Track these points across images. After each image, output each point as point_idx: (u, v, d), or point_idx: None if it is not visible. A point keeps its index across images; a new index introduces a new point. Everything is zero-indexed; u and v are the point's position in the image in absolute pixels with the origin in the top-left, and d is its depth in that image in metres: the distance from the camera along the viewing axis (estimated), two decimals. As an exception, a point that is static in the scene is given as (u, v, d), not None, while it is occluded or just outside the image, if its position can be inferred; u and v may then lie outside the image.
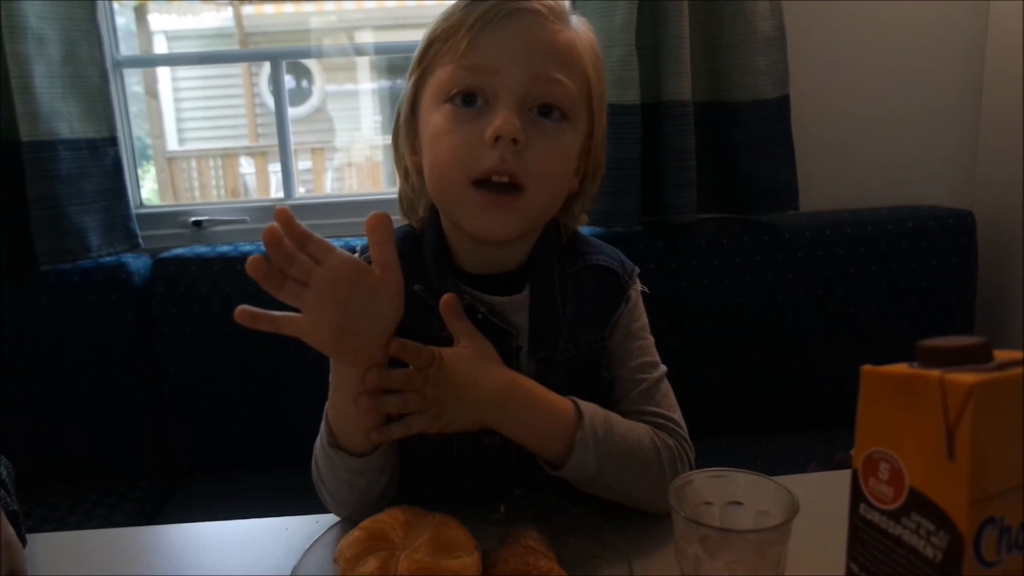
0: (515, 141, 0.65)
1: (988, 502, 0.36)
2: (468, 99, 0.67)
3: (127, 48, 1.85)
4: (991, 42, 1.64)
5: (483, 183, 0.66)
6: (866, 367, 0.42)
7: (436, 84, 0.69)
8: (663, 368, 0.77)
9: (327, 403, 0.68)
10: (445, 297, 0.66)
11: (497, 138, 0.65)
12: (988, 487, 0.36)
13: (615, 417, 0.69)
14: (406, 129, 0.74)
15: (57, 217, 1.41)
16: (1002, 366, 0.37)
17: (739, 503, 0.56)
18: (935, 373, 0.38)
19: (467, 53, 0.67)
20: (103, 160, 1.47)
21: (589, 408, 0.68)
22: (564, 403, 0.67)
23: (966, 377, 0.36)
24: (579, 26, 0.72)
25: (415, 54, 0.72)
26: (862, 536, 0.44)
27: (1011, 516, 0.37)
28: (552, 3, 0.70)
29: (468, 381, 0.64)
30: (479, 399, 0.65)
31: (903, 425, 0.40)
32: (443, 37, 0.69)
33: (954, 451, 0.37)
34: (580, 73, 0.70)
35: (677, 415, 0.74)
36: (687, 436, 0.73)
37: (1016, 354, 0.39)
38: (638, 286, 0.79)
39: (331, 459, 0.67)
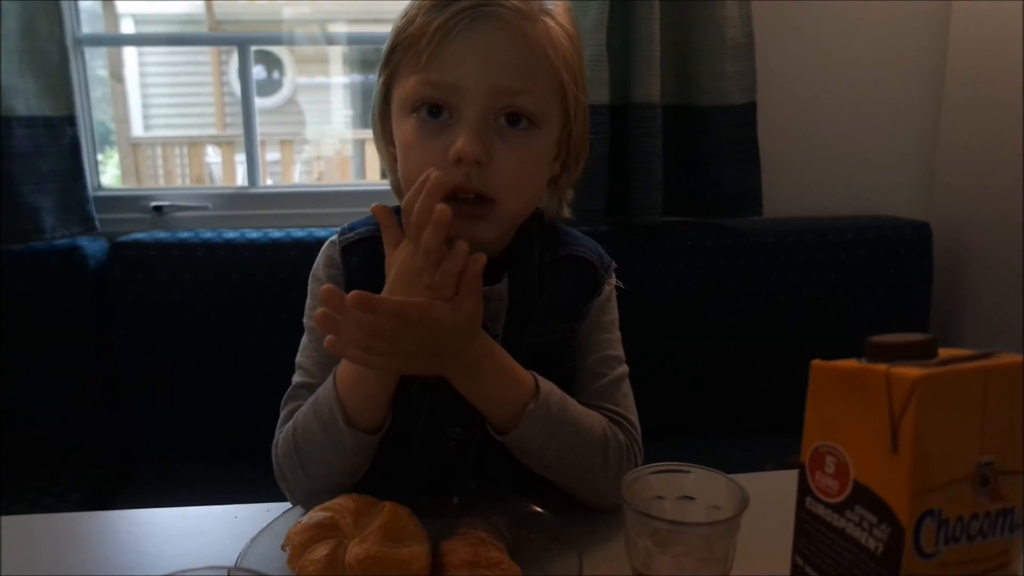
0: (477, 161, 0.65)
1: (928, 494, 0.37)
2: (433, 111, 0.67)
3: (92, 29, 1.81)
4: (950, 64, 1.68)
5: (452, 197, 0.65)
6: (816, 361, 0.43)
7: (402, 93, 0.68)
8: (625, 367, 0.77)
9: (328, 387, 0.67)
10: (475, 257, 0.62)
11: (459, 159, 0.65)
12: (929, 480, 0.37)
13: (572, 401, 0.69)
14: (381, 125, 0.74)
15: (10, 196, 1.37)
16: (946, 362, 0.38)
17: (691, 498, 0.57)
18: (881, 367, 0.38)
19: (428, 67, 0.65)
20: (60, 139, 1.43)
21: (547, 385, 0.68)
22: (526, 376, 0.67)
23: (911, 371, 0.37)
24: (553, 10, 0.69)
25: (383, 53, 0.71)
26: (808, 529, 0.44)
27: (949, 509, 0.37)
28: None
29: (448, 350, 0.63)
30: (452, 365, 0.65)
31: (850, 419, 0.41)
32: (405, 44, 0.67)
33: (897, 444, 0.37)
34: (549, 75, 0.68)
35: (633, 416, 0.75)
36: (639, 439, 0.74)
37: (960, 351, 0.40)
38: (613, 280, 0.79)
39: (338, 440, 0.66)
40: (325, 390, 0.68)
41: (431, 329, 0.61)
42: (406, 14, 0.68)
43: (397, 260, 0.65)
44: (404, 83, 0.68)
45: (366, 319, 0.58)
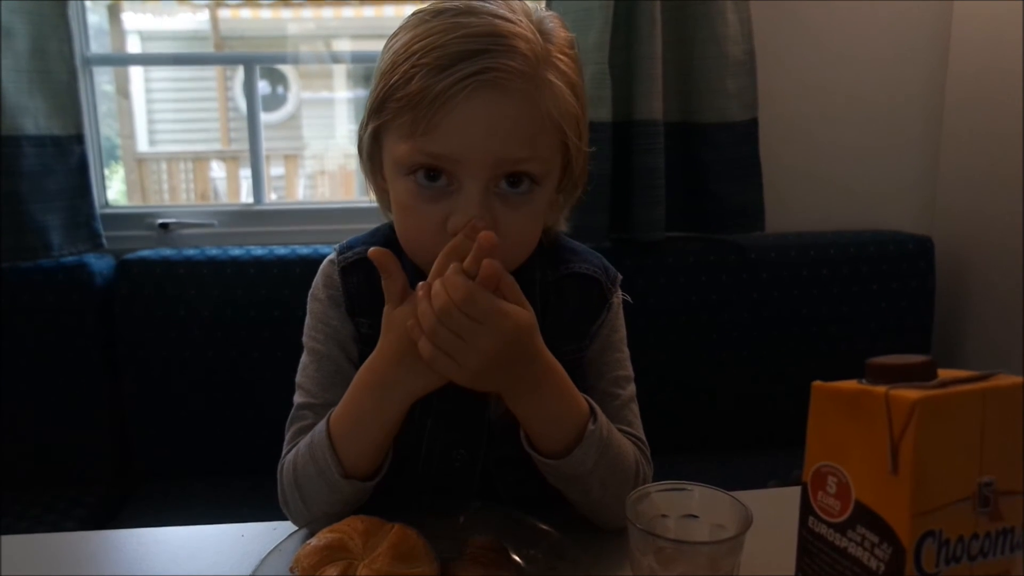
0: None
1: (929, 515, 0.37)
2: (431, 174, 0.64)
3: (99, 46, 1.83)
4: (951, 78, 1.70)
5: None
6: (817, 383, 0.43)
7: (396, 153, 0.65)
8: (634, 386, 0.77)
9: (322, 435, 0.66)
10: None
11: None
12: (929, 500, 0.37)
13: (614, 427, 0.69)
14: (371, 163, 0.71)
15: (18, 214, 1.38)
16: (945, 383, 0.39)
17: (694, 516, 0.57)
18: (881, 389, 0.39)
19: (426, 136, 0.62)
20: (68, 158, 1.44)
21: (595, 404, 0.67)
22: (580, 396, 0.66)
23: (910, 393, 0.37)
24: (556, 56, 0.65)
25: (372, 95, 0.66)
26: (810, 548, 0.44)
27: (950, 529, 0.38)
28: (517, 55, 0.62)
29: (519, 357, 0.61)
30: (518, 379, 0.62)
31: (851, 440, 0.41)
32: (400, 103, 0.62)
33: (898, 465, 0.38)
34: (553, 135, 0.65)
35: (643, 435, 0.75)
36: (650, 458, 0.74)
37: (959, 372, 0.40)
38: (620, 295, 0.78)
39: (335, 487, 0.65)
40: (319, 436, 0.66)
41: (503, 327, 0.58)
42: (397, 67, 0.63)
43: (399, 319, 0.61)
44: (398, 143, 0.64)
45: (440, 298, 0.57)
